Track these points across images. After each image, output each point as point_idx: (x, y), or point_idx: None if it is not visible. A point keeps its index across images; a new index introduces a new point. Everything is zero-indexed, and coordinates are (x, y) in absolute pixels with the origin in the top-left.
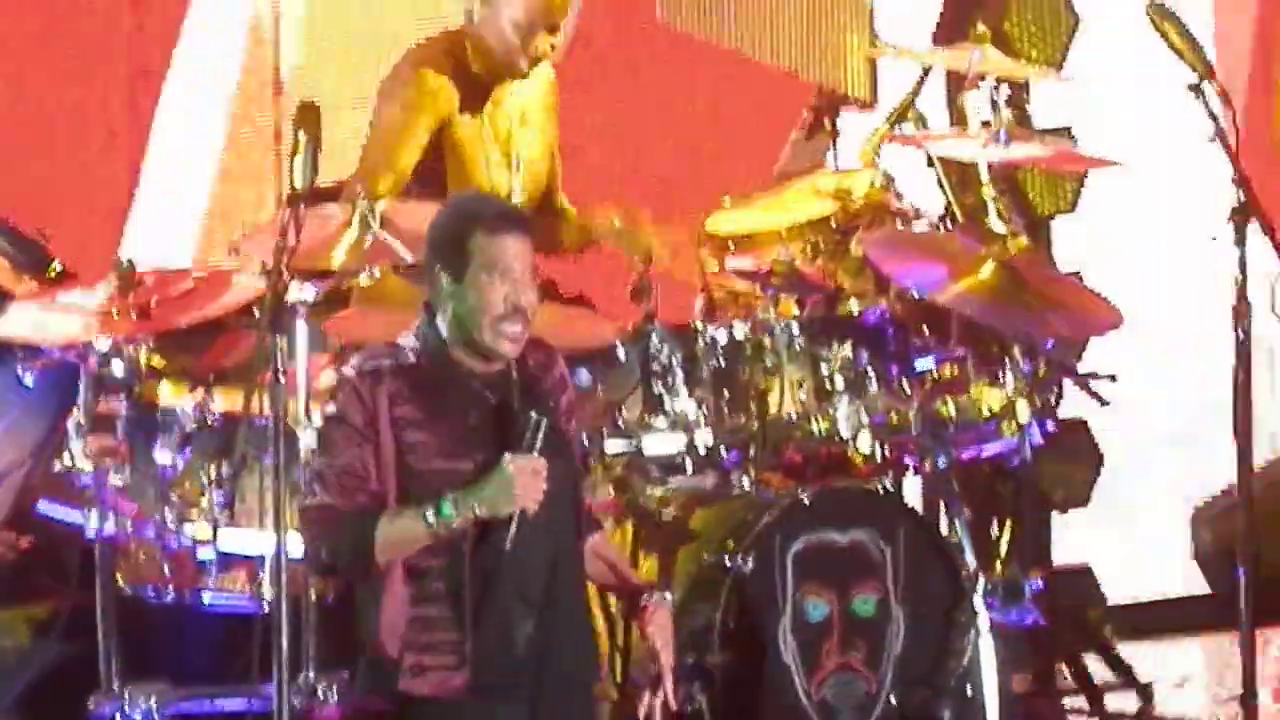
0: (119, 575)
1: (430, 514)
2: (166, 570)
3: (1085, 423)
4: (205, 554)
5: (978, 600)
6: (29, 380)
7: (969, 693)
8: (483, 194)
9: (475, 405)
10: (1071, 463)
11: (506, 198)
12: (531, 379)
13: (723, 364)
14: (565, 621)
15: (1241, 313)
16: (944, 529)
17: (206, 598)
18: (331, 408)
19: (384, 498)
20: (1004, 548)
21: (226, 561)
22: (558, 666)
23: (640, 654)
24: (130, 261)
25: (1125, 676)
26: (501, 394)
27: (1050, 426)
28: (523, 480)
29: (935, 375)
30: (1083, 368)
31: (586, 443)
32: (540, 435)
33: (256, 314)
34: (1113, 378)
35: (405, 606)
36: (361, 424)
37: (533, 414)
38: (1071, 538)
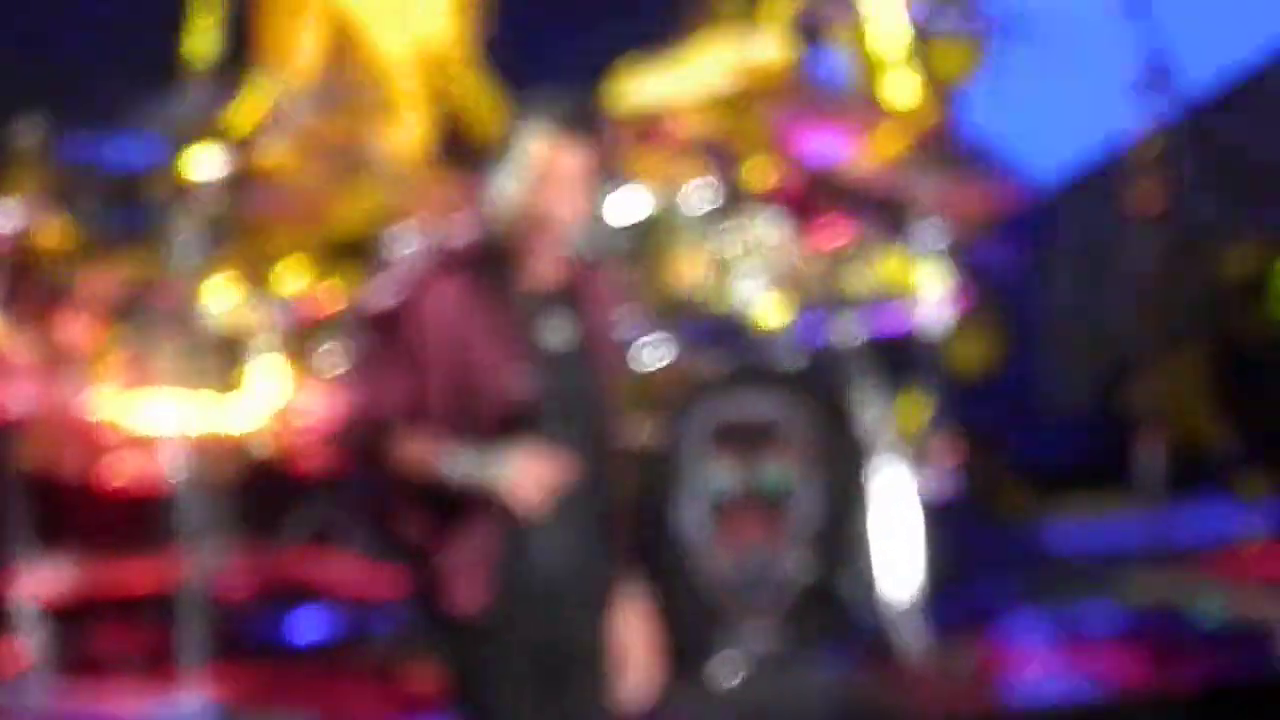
0: (25, 453)
1: (447, 468)
2: (74, 447)
3: (996, 294)
4: (113, 431)
5: (888, 472)
6: None
7: (875, 565)
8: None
9: (523, 325)
10: (981, 334)
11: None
12: (574, 295)
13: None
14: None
15: None
16: (852, 401)
17: (114, 475)
18: (384, 302)
19: (425, 406)
20: (914, 420)
21: (135, 439)
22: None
23: None
24: None
25: None
26: (543, 313)
27: (959, 297)
28: (525, 489)
29: (839, 245)
30: (988, 239)
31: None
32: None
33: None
34: (1022, 249)
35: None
36: (413, 329)
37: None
38: (982, 410)
